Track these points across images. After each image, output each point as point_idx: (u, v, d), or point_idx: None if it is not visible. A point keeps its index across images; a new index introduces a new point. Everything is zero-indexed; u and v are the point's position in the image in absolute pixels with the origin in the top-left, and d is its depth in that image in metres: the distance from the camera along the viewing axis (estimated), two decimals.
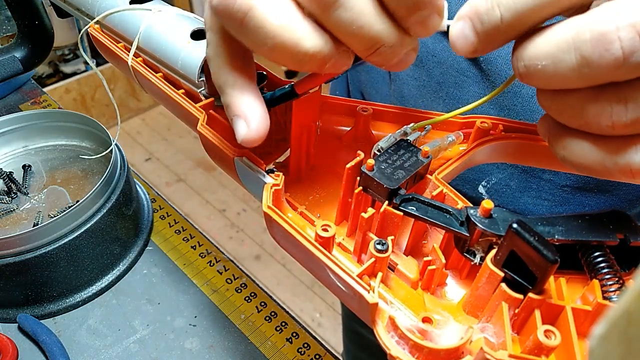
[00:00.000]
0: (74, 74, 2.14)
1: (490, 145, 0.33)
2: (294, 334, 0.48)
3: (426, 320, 0.24)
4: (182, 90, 0.36)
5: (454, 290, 0.27)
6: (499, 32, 0.21)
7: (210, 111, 0.33)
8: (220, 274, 0.53)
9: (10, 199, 0.53)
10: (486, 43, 0.22)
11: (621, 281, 0.23)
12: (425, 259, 0.26)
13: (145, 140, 2.32)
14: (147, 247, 0.55)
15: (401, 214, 0.26)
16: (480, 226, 0.24)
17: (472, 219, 0.24)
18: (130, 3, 0.39)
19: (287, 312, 0.50)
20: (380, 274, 0.25)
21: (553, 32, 0.20)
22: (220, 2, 0.22)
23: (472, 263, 0.26)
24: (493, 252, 0.23)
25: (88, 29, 0.42)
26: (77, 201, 0.48)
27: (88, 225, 0.47)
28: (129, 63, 0.38)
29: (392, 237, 0.26)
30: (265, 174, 0.30)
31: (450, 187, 0.29)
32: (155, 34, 0.37)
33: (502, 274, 0.23)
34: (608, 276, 0.24)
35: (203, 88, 0.34)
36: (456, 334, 0.23)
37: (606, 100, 0.20)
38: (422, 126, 0.33)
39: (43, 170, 0.57)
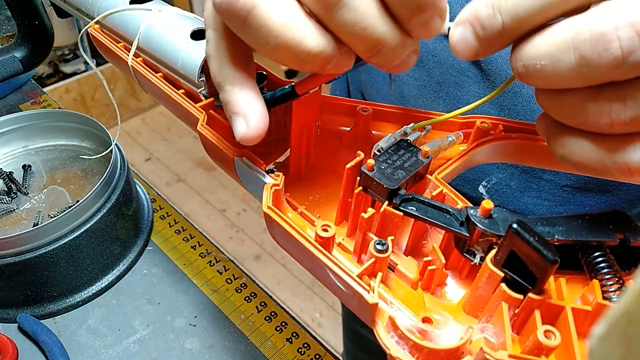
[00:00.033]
0: (74, 74, 2.14)
1: (490, 145, 0.33)
2: (294, 334, 0.48)
3: (426, 320, 0.24)
4: (182, 90, 0.36)
5: (454, 290, 0.27)
6: (500, 36, 0.21)
7: (210, 111, 0.33)
8: (220, 274, 0.53)
9: (10, 199, 0.53)
10: (487, 47, 0.22)
11: (621, 281, 0.23)
12: (425, 259, 0.26)
13: (145, 140, 2.32)
14: (147, 247, 0.55)
15: (401, 214, 0.26)
16: (480, 226, 0.24)
17: (472, 219, 0.24)
18: (130, 3, 0.39)
19: (287, 312, 0.50)
20: (380, 274, 0.25)
21: (552, 32, 0.20)
22: (224, 0, 0.22)
23: (472, 263, 0.26)
24: (493, 252, 0.23)
25: (88, 29, 0.42)
26: (77, 201, 0.48)
27: (88, 225, 0.48)
28: (129, 63, 0.38)
29: (392, 237, 0.26)
30: (265, 174, 0.30)
31: (450, 187, 0.29)
32: (155, 34, 0.37)
33: (502, 274, 0.23)
34: (608, 276, 0.24)
35: (203, 88, 0.34)
36: (456, 334, 0.23)
37: (605, 98, 0.20)
38: (422, 126, 0.33)
39: (43, 170, 0.57)
